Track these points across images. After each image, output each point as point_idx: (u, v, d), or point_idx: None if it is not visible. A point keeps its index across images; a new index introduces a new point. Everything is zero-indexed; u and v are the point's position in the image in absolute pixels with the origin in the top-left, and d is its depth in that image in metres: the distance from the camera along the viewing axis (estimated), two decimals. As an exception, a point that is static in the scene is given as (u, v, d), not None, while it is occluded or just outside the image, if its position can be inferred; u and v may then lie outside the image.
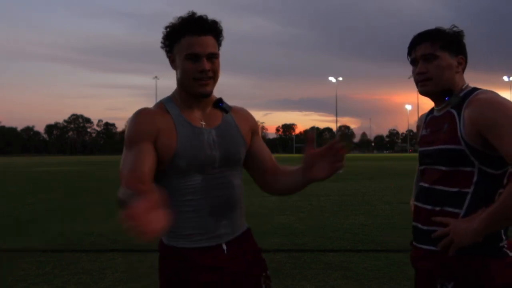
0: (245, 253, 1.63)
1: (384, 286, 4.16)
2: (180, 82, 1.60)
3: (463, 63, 1.65)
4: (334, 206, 10.02)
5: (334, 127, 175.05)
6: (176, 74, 1.61)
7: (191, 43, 1.51)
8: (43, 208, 9.93)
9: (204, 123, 1.60)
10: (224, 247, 1.58)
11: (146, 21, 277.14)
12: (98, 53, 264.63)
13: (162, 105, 1.61)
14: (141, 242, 1.28)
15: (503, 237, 1.54)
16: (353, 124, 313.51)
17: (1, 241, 6.34)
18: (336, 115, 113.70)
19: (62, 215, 8.85)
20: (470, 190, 1.54)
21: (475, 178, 1.54)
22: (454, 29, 1.66)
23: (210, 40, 1.54)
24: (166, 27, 1.57)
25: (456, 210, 1.55)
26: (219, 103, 1.66)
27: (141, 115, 1.56)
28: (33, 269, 4.81)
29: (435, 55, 1.61)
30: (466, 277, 1.51)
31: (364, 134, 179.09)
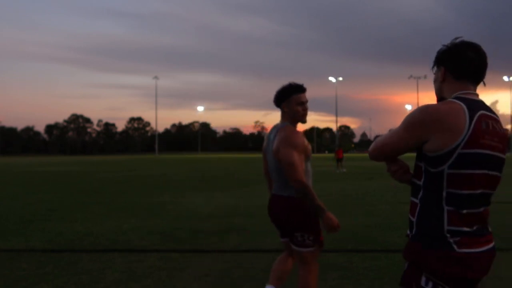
0: None
1: (384, 286, 4.16)
2: (292, 115, 2.99)
3: (443, 73, 1.82)
4: (334, 206, 10.03)
5: (334, 127, 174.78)
6: (290, 112, 2.99)
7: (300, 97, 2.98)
8: (43, 208, 9.93)
9: None
10: None
11: (146, 21, 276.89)
12: (98, 53, 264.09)
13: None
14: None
15: (446, 228, 1.66)
16: (353, 124, 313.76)
17: (1, 241, 6.34)
18: (336, 115, 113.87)
19: (62, 215, 8.85)
20: (421, 182, 1.74)
21: (423, 172, 1.73)
22: (451, 41, 1.84)
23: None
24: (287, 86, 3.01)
25: (415, 200, 1.77)
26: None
27: (297, 134, 2.92)
28: (33, 269, 4.81)
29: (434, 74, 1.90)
30: (412, 262, 1.73)
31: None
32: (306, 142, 2.94)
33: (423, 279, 1.68)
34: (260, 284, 4.28)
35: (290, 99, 2.95)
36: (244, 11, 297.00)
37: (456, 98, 1.73)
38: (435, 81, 1.88)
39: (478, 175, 1.67)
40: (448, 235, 1.65)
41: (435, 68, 1.87)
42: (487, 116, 1.70)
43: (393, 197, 11.30)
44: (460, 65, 1.76)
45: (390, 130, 1.86)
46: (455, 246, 1.65)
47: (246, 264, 4.99)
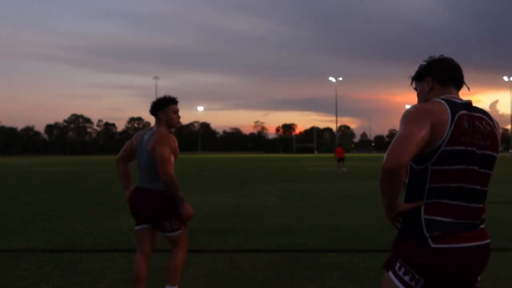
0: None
1: (384, 286, 4.16)
2: (168, 122, 3.53)
3: (430, 82, 1.97)
4: (334, 206, 10.03)
5: (334, 127, 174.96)
6: (166, 119, 3.52)
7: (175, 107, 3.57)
8: (43, 208, 9.93)
9: None
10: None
11: (146, 21, 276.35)
12: (98, 53, 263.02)
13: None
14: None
15: (423, 217, 1.79)
16: (353, 124, 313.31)
17: (1, 241, 6.34)
18: (336, 115, 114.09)
19: (62, 215, 8.85)
20: (407, 180, 1.90)
21: (408, 171, 1.88)
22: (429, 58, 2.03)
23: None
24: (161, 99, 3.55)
25: (404, 196, 1.93)
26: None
27: (171, 137, 3.44)
28: (33, 269, 4.81)
29: (415, 90, 2.09)
30: (393, 249, 1.91)
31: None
32: (176, 145, 3.47)
33: (397, 264, 1.83)
34: (260, 284, 4.29)
35: (167, 109, 3.50)
36: (244, 11, 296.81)
37: (441, 99, 1.88)
38: (419, 95, 2.04)
39: (458, 170, 1.78)
40: (425, 226, 1.79)
41: (416, 82, 2.06)
42: (469, 115, 1.83)
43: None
44: (445, 71, 1.94)
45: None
46: (430, 240, 1.76)
47: (246, 264, 4.99)
